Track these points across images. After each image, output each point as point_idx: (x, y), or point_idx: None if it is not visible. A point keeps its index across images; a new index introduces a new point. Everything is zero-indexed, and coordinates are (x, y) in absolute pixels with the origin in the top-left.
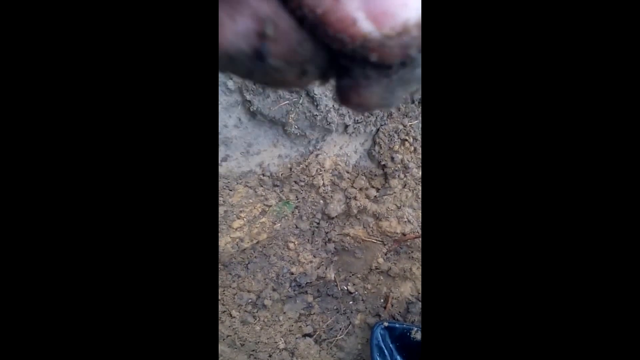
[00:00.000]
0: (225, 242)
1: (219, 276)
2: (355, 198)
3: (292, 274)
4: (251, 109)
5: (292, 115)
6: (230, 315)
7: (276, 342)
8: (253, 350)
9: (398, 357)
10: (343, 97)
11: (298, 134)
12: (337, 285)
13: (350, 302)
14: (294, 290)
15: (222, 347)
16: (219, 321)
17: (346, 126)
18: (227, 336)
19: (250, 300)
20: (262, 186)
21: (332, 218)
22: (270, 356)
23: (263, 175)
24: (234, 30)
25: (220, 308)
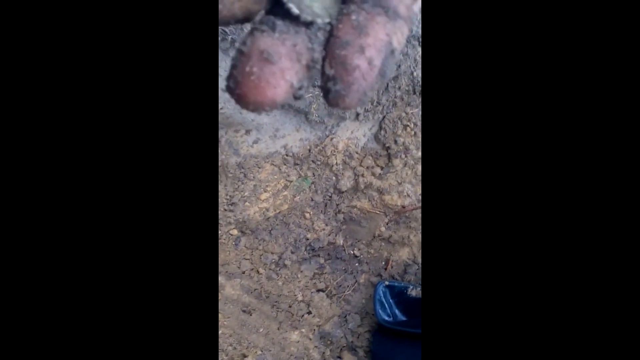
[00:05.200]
0: (254, 211)
1: (248, 240)
2: (362, 175)
3: (308, 239)
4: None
5: (314, 106)
6: (258, 272)
7: (295, 295)
8: (276, 302)
9: (396, 311)
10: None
11: (317, 121)
12: (345, 250)
13: (356, 264)
14: (309, 253)
15: (250, 299)
16: (249, 277)
17: (357, 114)
18: (255, 289)
19: (273, 260)
20: (285, 164)
21: (343, 192)
22: (290, 306)
23: (286, 155)
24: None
25: (250, 266)
